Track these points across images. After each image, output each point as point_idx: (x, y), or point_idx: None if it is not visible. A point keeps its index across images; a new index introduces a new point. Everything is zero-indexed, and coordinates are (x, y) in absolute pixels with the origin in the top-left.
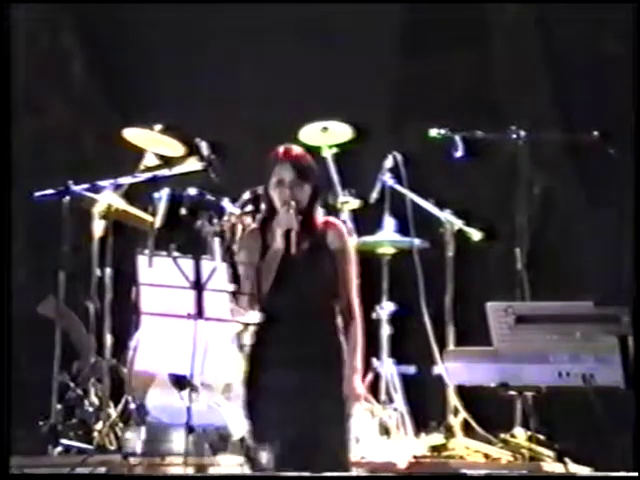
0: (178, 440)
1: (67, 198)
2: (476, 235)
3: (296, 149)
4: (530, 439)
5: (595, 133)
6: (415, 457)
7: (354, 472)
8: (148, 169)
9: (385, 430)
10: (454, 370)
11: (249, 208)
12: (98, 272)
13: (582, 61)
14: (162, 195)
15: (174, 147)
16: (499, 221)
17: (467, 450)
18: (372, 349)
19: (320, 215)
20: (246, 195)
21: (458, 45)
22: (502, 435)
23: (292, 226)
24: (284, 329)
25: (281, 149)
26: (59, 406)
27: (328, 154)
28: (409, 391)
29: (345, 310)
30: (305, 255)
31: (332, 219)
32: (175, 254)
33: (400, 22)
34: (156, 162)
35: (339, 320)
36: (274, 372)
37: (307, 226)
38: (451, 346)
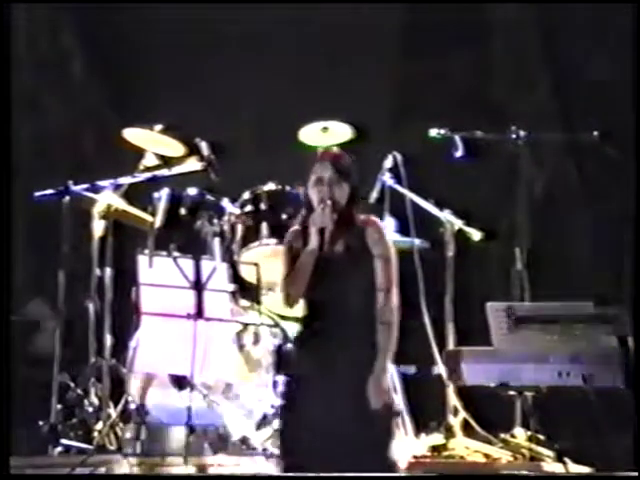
0: (178, 440)
1: (67, 198)
2: (476, 235)
3: (336, 150)
4: (530, 439)
5: (595, 133)
6: (415, 457)
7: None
8: (148, 169)
9: None
10: (454, 370)
11: (249, 208)
12: (98, 272)
13: (582, 61)
14: (162, 195)
15: (174, 147)
16: (499, 221)
17: (467, 450)
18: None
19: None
20: (246, 195)
21: (458, 45)
22: (502, 435)
23: (326, 224)
24: (322, 328)
25: (321, 150)
26: (59, 406)
27: None
28: (409, 391)
29: (384, 309)
30: (343, 253)
31: (372, 217)
32: (175, 254)
33: (400, 22)
34: (156, 162)
35: (377, 319)
36: (312, 371)
37: (345, 224)
38: (451, 346)
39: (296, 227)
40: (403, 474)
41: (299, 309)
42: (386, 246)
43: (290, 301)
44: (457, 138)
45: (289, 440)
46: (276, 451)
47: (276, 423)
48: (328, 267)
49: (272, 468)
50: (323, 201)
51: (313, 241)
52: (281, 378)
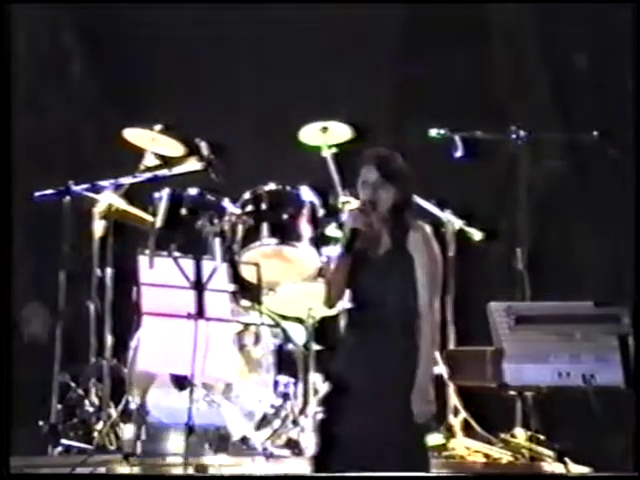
0: (178, 440)
1: (67, 198)
2: (477, 235)
3: (384, 151)
4: (530, 439)
5: (595, 133)
6: None
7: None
8: (148, 169)
9: None
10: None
11: (250, 208)
12: (99, 272)
13: (582, 61)
14: (162, 195)
15: (174, 147)
16: (499, 221)
17: (467, 450)
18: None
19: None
20: (247, 195)
21: (458, 45)
22: (502, 435)
23: (357, 225)
24: (359, 330)
25: (368, 150)
26: (59, 406)
27: (328, 154)
28: None
29: (423, 315)
30: (385, 256)
31: (420, 222)
32: (176, 254)
33: (400, 22)
34: (156, 162)
35: (417, 324)
36: (351, 373)
37: (390, 227)
38: (451, 346)
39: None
40: (404, 474)
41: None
42: (430, 250)
43: (329, 302)
44: (457, 138)
45: (326, 440)
46: (310, 449)
47: (277, 423)
48: (369, 269)
49: (304, 466)
50: (364, 203)
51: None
52: (284, 378)
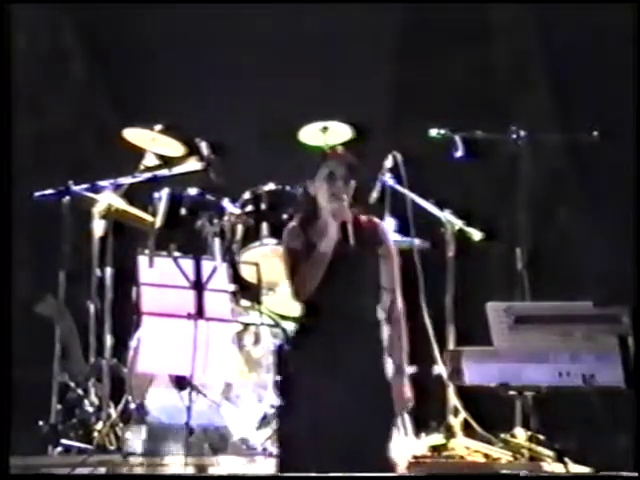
0: (178, 440)
1: (67, 198)
2: (476, 235)
3: (342, 150)
4: (530, 439)
5: (595, 133)
6: (415, 457)
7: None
8: (148, 169)
9: None
10: (454, 370)
11: (249, 208)
12: (98, 272)
13: (582, 61)
14: (162, 195)
15: (174, 147)
16: (499, 221)
17: (467, 450)
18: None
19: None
20: (246, 195)
21: (458, 45)
22: (502, 435)
23: (348, 218)
24: (328, 326)
25: (330, 150)
26: (59, 406)
27: None
28: None
29: (389, 311)
30: (351, 253)
31: (374, 218)
32: (175, 254)
33: (400, 22)
34: (156, 162)
35: (382, 321)
36: (314, 369)
37: (353, 223)
38: (451, 346)
39: (294, 224)
40: (403, 474)
41: (297, 308)
42: (389, 246)
43: (301, 296)
44: (457, 138)
45: (288, 440)
46: (275, 451)
47: (277, 423)
48: (332, 265)
49: (271, 467)
50: (339, 196)
51: (332, 235)
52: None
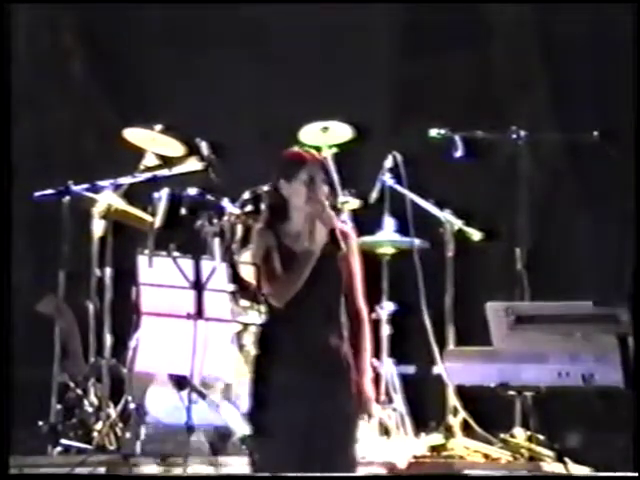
0: (178, 440)
1: (67, 198)
2: (476, 235)
3: (315, 152)
4: (530, 439)
5: (595, 133)
6: (415, 457)
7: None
8: (148, 169)
9: (385, 430)
10: (453, 370)
11: (249, 208)
12: (98, 272)
13: (582, 61)
14: (162, 195)
15: (174, 147)
16: (499, 221)
17: (467, 450)
18: (372, 349)
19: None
20: (246, 195)
21: (458, 45)
22: (502, 435)
23: (334, 225)
24: (296, 329)
25: (296, 150)
26: (59, 406)
27: (328, 154)
28: (409, 391)
29: (351, 312)
30: (318, 254)
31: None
32: (175, 254)
33: (400, 22)
34: (156, 162)
35: (345, 321)
36: (282, 370)
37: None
38: (451, 346)
39: (261, 226)
40: (403, 474)
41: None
42: (353, 247)
43: (283, 299)
44: (457, 138)
45: (261, 442)
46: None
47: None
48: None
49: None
50: (318, 201)
51: (321, 238)
52: None
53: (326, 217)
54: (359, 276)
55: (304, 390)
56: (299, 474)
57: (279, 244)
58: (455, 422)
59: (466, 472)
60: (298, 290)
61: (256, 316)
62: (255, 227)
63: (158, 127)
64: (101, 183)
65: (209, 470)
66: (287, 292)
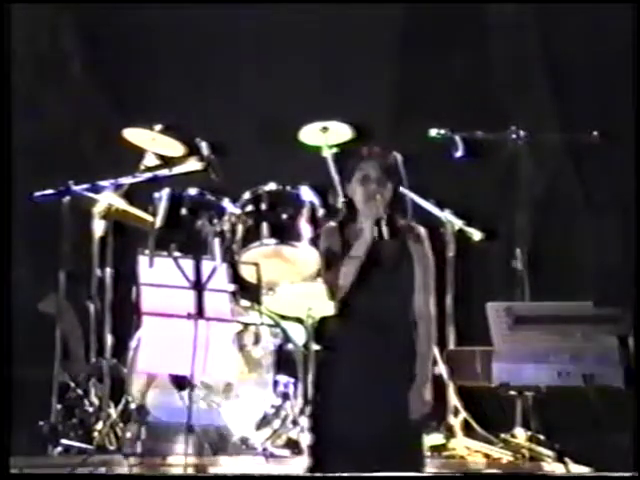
0: (178, 440)
1: (67, 198)
2: (476, 235)
3: (380, 148)
4: (530, 439)
5: (595, 133)
6: None
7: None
8: (148, 169)
9: None
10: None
11: (249, 208)
12: (98, 272)
13: (582, 61)
14: (162, 195)
15: (174, 147)
16: (499, 221)
17: (467, 450)
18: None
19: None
20: (247, 195)
21: (458, 45)
22: (502, 435)
23: (382, 215)
24: (362, 325)
25: (365, 148)
26: (59, 406)
27: (328, 154)
28: None
29: (421, 315)
30: (386, 255)
31: (413, 223)
32: (176, 254)
33: (400, 22)
34: (156, 162)
35: (415, 321)
36: (347, 369)
37: (390, 227)
38: (451, 346)
39: (332, 224)
40: (403, 474)
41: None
42: (427, 251)
43: (335, 294)
44: (457, 138)
45: (320, 439)
46: (304, 449)
47: (276, 423)
48: (367, 266)
49: (300, 466)
50: (373, 197)
51: (366, 236)
52: (284, 378)
53: (371, 210)
54: (432, 281)
55: (367, 388)
56: (308, 474)
57: (344, 243)
58: (456, 422)
59: (466, 472)
60: (367, 289)
61: (256, 316)
62: (326, 225)
63: (158, 127)
64: (101, 183)
65: (209, 470)
66: (340, 287)
